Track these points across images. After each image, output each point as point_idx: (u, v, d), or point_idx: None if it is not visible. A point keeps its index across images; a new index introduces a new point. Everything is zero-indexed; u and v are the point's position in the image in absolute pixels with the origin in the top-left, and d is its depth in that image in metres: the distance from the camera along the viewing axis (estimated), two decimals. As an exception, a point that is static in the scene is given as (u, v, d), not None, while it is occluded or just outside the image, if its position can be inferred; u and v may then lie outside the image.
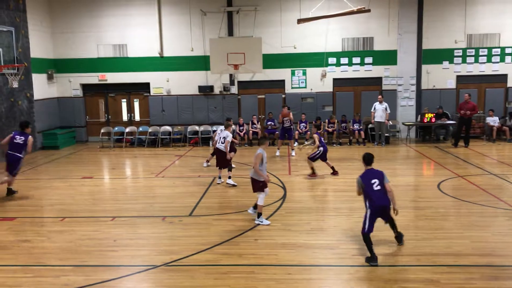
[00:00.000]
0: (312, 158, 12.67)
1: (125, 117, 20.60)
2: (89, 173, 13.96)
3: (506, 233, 8.08)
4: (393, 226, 7.58)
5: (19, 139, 11.22)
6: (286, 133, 16.12)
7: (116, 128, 19.76)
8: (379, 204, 7.11)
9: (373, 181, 7.30)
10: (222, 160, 12.05)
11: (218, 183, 12.06)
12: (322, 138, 13.19)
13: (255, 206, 8.97)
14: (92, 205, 10.44)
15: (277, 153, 16.09)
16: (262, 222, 8.72)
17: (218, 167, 12.19)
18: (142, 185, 12.60)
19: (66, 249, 7.66)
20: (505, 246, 7.45)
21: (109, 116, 20.60)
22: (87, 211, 9.97)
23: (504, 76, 19.12)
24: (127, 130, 19.61)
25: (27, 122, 11.77)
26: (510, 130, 18.19)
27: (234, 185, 11.84)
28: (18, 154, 11.17)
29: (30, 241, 8.13)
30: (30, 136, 11.44)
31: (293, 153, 16.13)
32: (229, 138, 11.97)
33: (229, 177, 12.10)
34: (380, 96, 17.99)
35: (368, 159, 7.76)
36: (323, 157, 12.72)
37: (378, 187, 7.22)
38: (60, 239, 8.15)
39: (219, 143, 12.09)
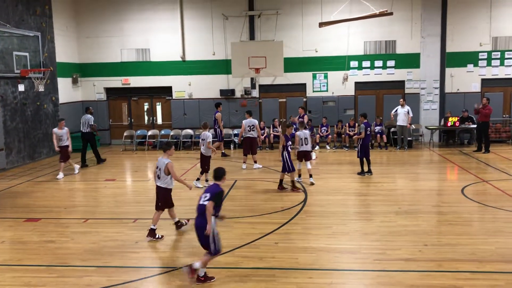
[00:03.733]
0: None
1: (147, 120, 20.85)
2: (112, 175, 14.17)
3: (533, 240, 7.89)
4: (369, 162, 13.19)
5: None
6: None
7: (138, 131, 20.02)
8: (367, 143, 13.19)
9: (368, 128, 13.11)
10: (204, 162, 12.06)
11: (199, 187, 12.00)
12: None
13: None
14: (115, 207, 10.58)
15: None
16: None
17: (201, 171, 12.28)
18: (164, 188, 12.70)
19: (89, 250, 7.78)
20: (531, 253, 7.27)
21: (132, 120, 20.88)
22: (109, 213, 10.12)
23: (531, 80, 18.73)
24: (149, 133, 19.84)
25: (218, 103, 17.35)
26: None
27: (198, 187, 11.89)
28: (214, 127, 16.74)
29: (54, 241, 8.28)
30: (218, 113, 16.87)
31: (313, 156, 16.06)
32: (210, 139, 11.96)
33: (198, 179, 12.20)
34: (401, 100, 17.79)
35: (366, 115, 13.38)
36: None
37: (376, 131, 14.61)
38: (84, 240, 8.28)
39: (201, 146, 12.11)
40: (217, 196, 6.33)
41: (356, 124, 18.42)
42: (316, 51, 19.27)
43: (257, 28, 19.44)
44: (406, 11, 18.62)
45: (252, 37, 19.39)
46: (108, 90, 20.71)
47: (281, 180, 11.76)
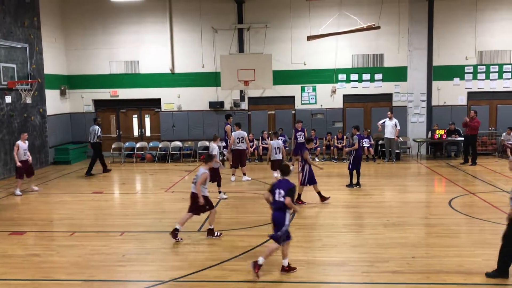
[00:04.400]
0: None
1: (136, 132, 20.76)
2: (99, 188, 14.04)
3: (520, 252, 7.93)
4: (359, 174, 13.03)
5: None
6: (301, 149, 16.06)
7: (127, 144, 19.90)
8: (360, 155, 12.95)
9: (362, 140, 13.36)
10: (213, 175, 11.99)
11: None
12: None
13: None
14: (102, 220, 10.48)
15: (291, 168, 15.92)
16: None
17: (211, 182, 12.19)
18: (152, 200, 12.63)
19: (74, 264, 7.67)
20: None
21: (120, 132, 20.77)
22: (96, 226, 10.01)
23: (516, 93, 19.03)
24: (138, 145, 19.74)
25: (228, 115, 16.33)
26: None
27: (225, 199, 12.00)
28: (225, 138, 15.63)
29: (39, 255, 8.15)
30: (227, 125, 15.46)
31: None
32: (215, 151, 11.98)
33: (220, 192, 12.21)
34: (389, 113, 17.93)
35: (358, 127, 13.30)
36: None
37: (364, 145, 13.13)
38: (69, 254, 8.17)
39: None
40: (291, 191, 6.95)
41: (345, 136, 18.52)
42: (305, 64, 19.40)
43: (246, 41, 19.54)
44: (393, 25, 18.86)
45: (241, 50, 19.48)
46: (97, 102, 20.61)
47: (319, 192, 11.52)
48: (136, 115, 20.76)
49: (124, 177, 16.36)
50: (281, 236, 6.83)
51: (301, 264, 7.44)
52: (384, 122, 17.71)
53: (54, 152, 18.77)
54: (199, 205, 8.64)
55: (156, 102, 20.28)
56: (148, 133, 20.74)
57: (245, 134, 14.70)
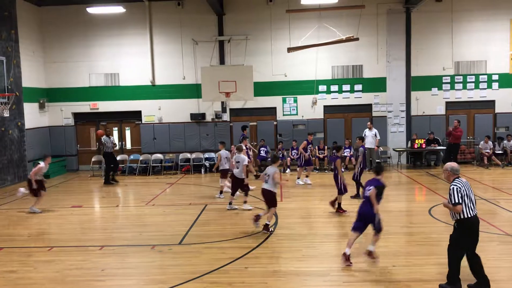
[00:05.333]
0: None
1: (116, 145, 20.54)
2: (78, 202, 13.84)
3: (499, 258, 8.04)
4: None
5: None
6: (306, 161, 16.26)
7: (107, 157, 19.64)
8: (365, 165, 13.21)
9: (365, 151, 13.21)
10: (239, 186, 12.12)
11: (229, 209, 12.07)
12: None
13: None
14: (81, 234, 10.31)
15: (309, 181, 15.83)
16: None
17: (232, 194, 12.28)
18: (132, 214, 12.47)
19: (52, 280, 7.52)
20: (497, 271, 7.40)
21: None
22: (75, 240, 9.84)
23: (492, 102, 19.40)
24: (118, 158, 19.48)
25: (244, 126, 17.09)
26: (502, 155, 18.48)
27: (249, 209, 11.89)
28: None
29: (16, 271, 7.97)
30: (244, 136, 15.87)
31: (308, 181, 15.89)
32: (245, 162, 11.98)
33: (245, 202, 12.21)
34: (369, 123, 18.12)
35: (363, 138, 13.82)
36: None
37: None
38: (47, 269, 8.00)
39: (235, 168, 12.21)
40: (380, 188, 7.74)
41: (329, 146, 18.62)
42: (286, 76, 19.53)
43: (227, 52, 19.60)
44: (371, 36, 19.14)
45: (222, 61, 19.53)
46: (76, 115, 20.39)
47: (339, 204, 11.51)
48: (116, 128, 20.57)
49: (104, 190, 16.15)
50: (379, 224, 7.61)
51: (282, 276, 7.42)
52: (364, 134, 17.88)
53: (33, 166, 18.40)
54: (271, 199, 9.76)
55: (137, 114, 20.15)
56: (128, 145, 20.56)
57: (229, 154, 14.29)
